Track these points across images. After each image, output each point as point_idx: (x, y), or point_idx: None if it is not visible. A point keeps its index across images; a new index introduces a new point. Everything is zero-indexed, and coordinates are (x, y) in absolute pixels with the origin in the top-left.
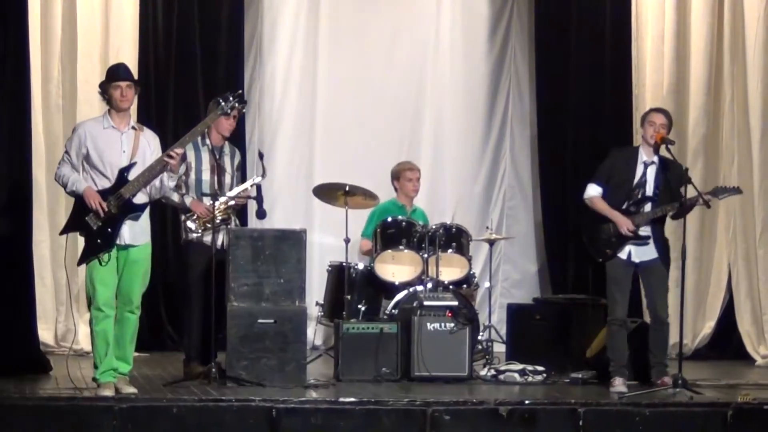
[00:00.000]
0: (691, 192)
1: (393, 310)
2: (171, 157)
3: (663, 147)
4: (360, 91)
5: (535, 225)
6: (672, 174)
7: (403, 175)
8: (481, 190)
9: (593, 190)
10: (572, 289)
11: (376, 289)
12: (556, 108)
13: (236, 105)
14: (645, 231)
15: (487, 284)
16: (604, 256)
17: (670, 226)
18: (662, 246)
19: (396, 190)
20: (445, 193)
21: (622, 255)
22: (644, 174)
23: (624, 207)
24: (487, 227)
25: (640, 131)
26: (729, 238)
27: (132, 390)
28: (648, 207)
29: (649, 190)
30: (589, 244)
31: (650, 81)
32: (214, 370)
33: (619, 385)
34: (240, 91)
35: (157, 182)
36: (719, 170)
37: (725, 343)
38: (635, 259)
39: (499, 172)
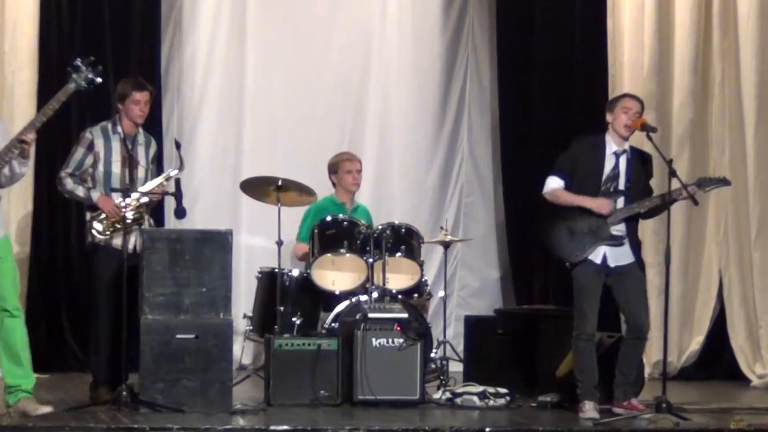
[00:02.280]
0: (674, 185)
1: (333, 324)
2: (24, 141)
3: (645, 135)
4: (294, 72)
5: (496, 225)
6: (643, 166)
7: (341, 167)
8: (434, 185)
9: (554, 183)
10: (539, 299)
11: (314, 299)
12: (520, 91)
13: (91, 78)
14: (619, 230)
15: (441, 293)
16: (573, 258)
17: (651, 226)
18: (637, 248)
19: (334, 185)
20: (393, 188)
21: (595, 258)
22: (616, 165)
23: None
24: (442, 227)
25: (609, 118)
26: (720, 239)
27: (46, 410)
28: (621, 202)
29: (622, 183)
30: (555, 247)
31: (629, 59)
32: (124, 393)
33: (589, 410)
34: (92, 58)
35: (6, 170)
36: (708, 161)
37: (716, 360)
38: (611, 263)
39: (455, 164)
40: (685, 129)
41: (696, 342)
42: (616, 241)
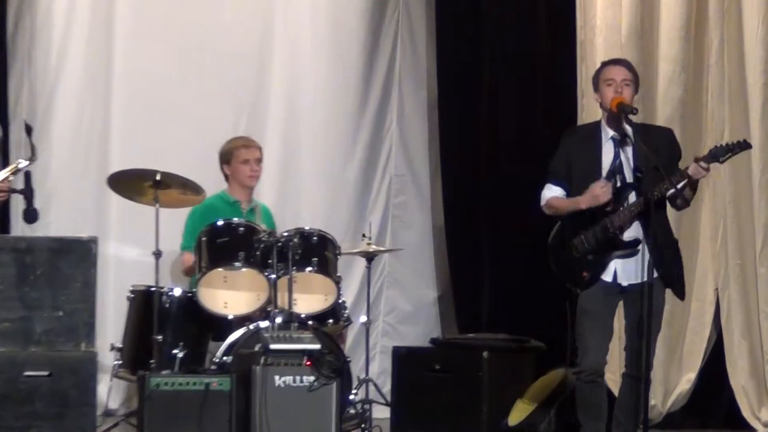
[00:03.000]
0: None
1: (225, 358)
2: None
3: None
4: (178, 39)
5: (434, 232)
6: (659, 142)
7: (235, 155)
8: (354, 181)
9: (549, 191)
10: (488, 326)
11: (201, 325)
12: (465, 62)
13: None
14: (631, 235)
15: (363, 318)
16: (581, 281)
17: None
18: (665, 254)
19: (227, 178)
20: (302, 184)
21: (606, 275)
22: (617, 155)
23: (594, 207)
24: (364, 235)
25: (594, 98)
26: (716, 251)
27: None
28: (632, 198)
29: (628, 174)
30: (560, 271)
31: (602, 21)
32: None
33: None
34: None
35: None
36: (702, 148)
37: (711, 403)
38: (624, 279)
39: (381, 154)
40: (674, 109)
41: (686, 380)
42: (627, 250)
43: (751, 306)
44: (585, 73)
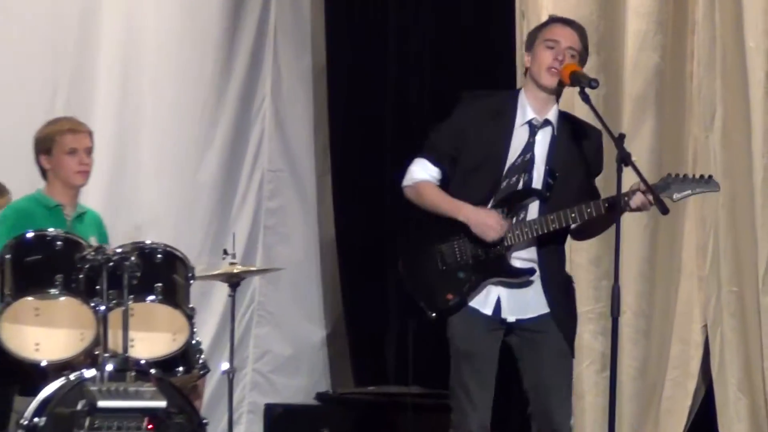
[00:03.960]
0: (628, 180)
1: (36, 419)
2: None
3: (577, 93)
4: None
5: (321, 247)
6: (584, 147)
7: (58, 143)
8: (213, 178)
9: (421, 171)
10: (396, 377)
11: (4, 374)
12: (364, 16)
13: None
14: (525, 259)
15: (225, 365)
16: (442, 305)
17: (586, 251)
18: (560, 291)
19: (44, 174)
20: (142, 182)
21: (483, 305)
22: (529, 145)
23: (487, 204)
24: (226, 251)
25: (525, 60)
26: (705, 274)
27: None
28: (534, 209)
29: (538, 176)
30: (413, 285)
31: None
32: None
33: None
34: None
35: None
36: (685, 139)
37: None
38: (510, 314)
39: (249, 142)
40: (646, 84)
41: None
42: (517, 278)
43: (752, 349)
44: (526, 32)
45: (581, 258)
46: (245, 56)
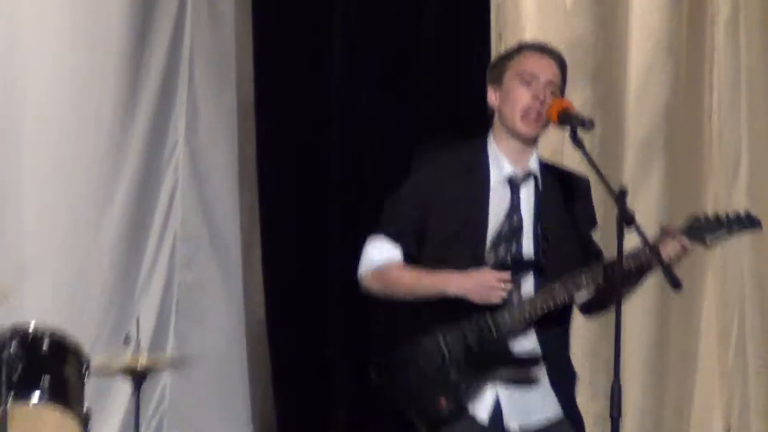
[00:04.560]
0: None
1: None
2: None
3: (567, 135)
4: None
5: (248, 333)
6: (574, 200)
7: None
8: (113, 240)
9: (380, 253)
10: None
11: None
12: (302, 32)
13: None
14: (527, 347)
15: None
16: (434, 414)
17: (581, 337)
18: (570, 385)
19: None
20: (22, 241)
21: (480, 409)
22: (514, 205)
23: None
24: (128, 338)
25: (490, 99)
26: (728, 364)
27: None
28: (528, 285)
29: (528, 243)
30: (397, 395)
31: None
32: None
33: None
34: None
35: None
36: (702, 202)
37: None
38: (513, 419)
39: (159, 194)
40: (656, 125)
41: None
42: (520, 373)
43: None
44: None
45: (574, 347)
46: (153, 90)
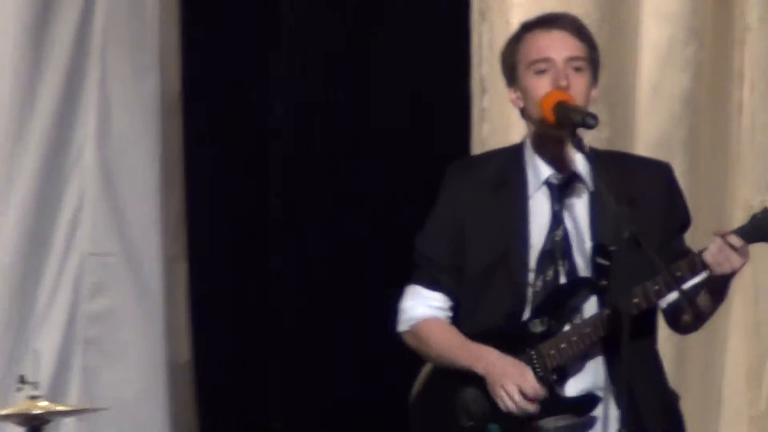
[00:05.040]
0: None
1: None
2: None
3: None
4: None
5: (170, 373)
6: (647, 195)
7: None
8: (6, 258)
9: (418, 306)
10: None
11: None
12: (243, 16)
13: None
14: (582, 386)
15: None
16: None
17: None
18: (651, 418)
19: None
20: None
21: None
22: (557, 218)
23: (509, 327)
24: (23, 379)
25: (512, 99)
26: (760, 412)
27: None
28: (591, 310)
29: (583, 259)
30: None
31: None
32: None
33: None
34: None
35: None
36: (728, 212)
37: None
38: None
39: (61, 210)
40: (674, 120)
41: None
42: (572, 415)
43: None
44: (489, 42)
45: None
46: (56, 79)
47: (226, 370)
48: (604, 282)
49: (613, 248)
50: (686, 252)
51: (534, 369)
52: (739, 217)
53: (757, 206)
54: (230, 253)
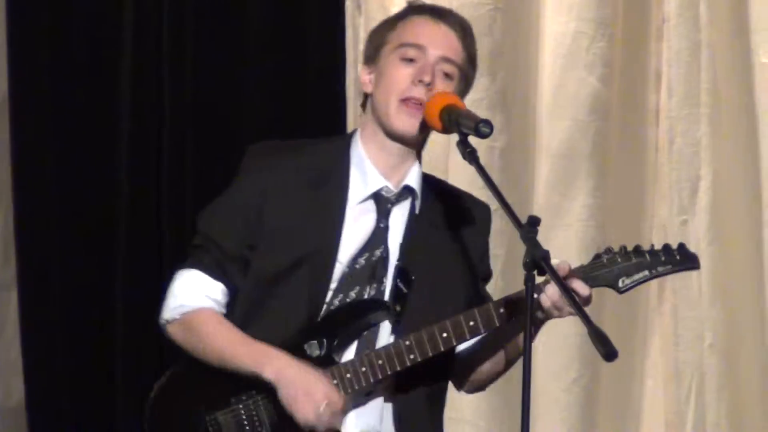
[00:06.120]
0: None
1: None
2: None
3: (455, 144)
4: None
5: (3, 419)
6: (464, 235)
7: None
8: None
9: (193, 293)
10: None
11: None
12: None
13: None
14: (370, 424)
15: None
16: None
17: (469, 410)
18: None
19: None
20: None
21: None
22: (379, 234)
23: (287, 346)
24: None
25: (362, 80)
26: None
27: None
28: (383, 338)
29: (392, 287)
30: None
31: None
32: None
33: None
34: None
35: None
36: (643, 235)
37: None
38: None
39: None
40: (579, 129)
41: None
42: None
43: None
44: (363, 31)
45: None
46: None
47: (68, 414)
48: (397, 307)
49: (413, 277)
50: (485, 300)
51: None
52: (657, 242)
53: (676, 228)
54: (71, 272)
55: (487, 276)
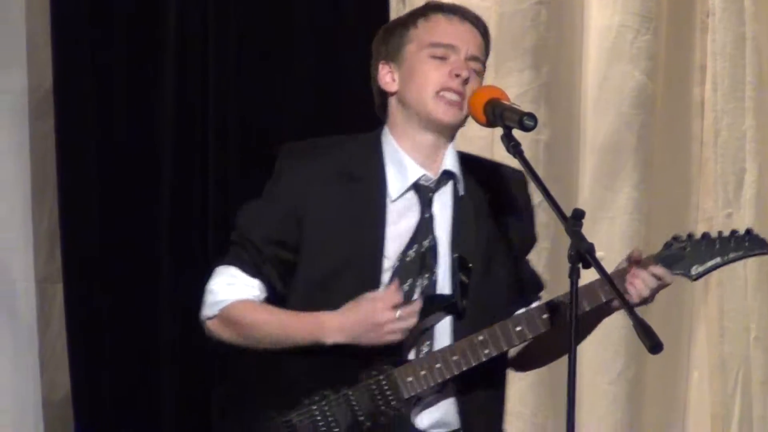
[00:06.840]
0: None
1: None
2: None
3: (498, 137)
4: None
5: (46, 412)
6: (507, 208)
7: None
8: None
9: (231, 288)
10: None
11: None
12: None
13: None
14: (437, 418)
15: None
16: None
17: (520, 403)
18: None
19: None
20: None
21: None
22: (425, 223)
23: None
24: None
25: (381, 81)
26: None
27: None
28: (443, 332)
29: (443, 275)
30: None
31: None
32: None
33: None
34: None
35: None
36: (688, 228)
37: None
38: None
39: None
40: (624, 122)
41: None
42: None
43: None
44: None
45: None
46: None
47: (112, 409)
48: (464, 302)
49: (470, 265)
50: (534, 274)
51: (385, 397)
52: (701, 231)
53: (721, 221)
54: (114, 271)
55: (532, 242)
